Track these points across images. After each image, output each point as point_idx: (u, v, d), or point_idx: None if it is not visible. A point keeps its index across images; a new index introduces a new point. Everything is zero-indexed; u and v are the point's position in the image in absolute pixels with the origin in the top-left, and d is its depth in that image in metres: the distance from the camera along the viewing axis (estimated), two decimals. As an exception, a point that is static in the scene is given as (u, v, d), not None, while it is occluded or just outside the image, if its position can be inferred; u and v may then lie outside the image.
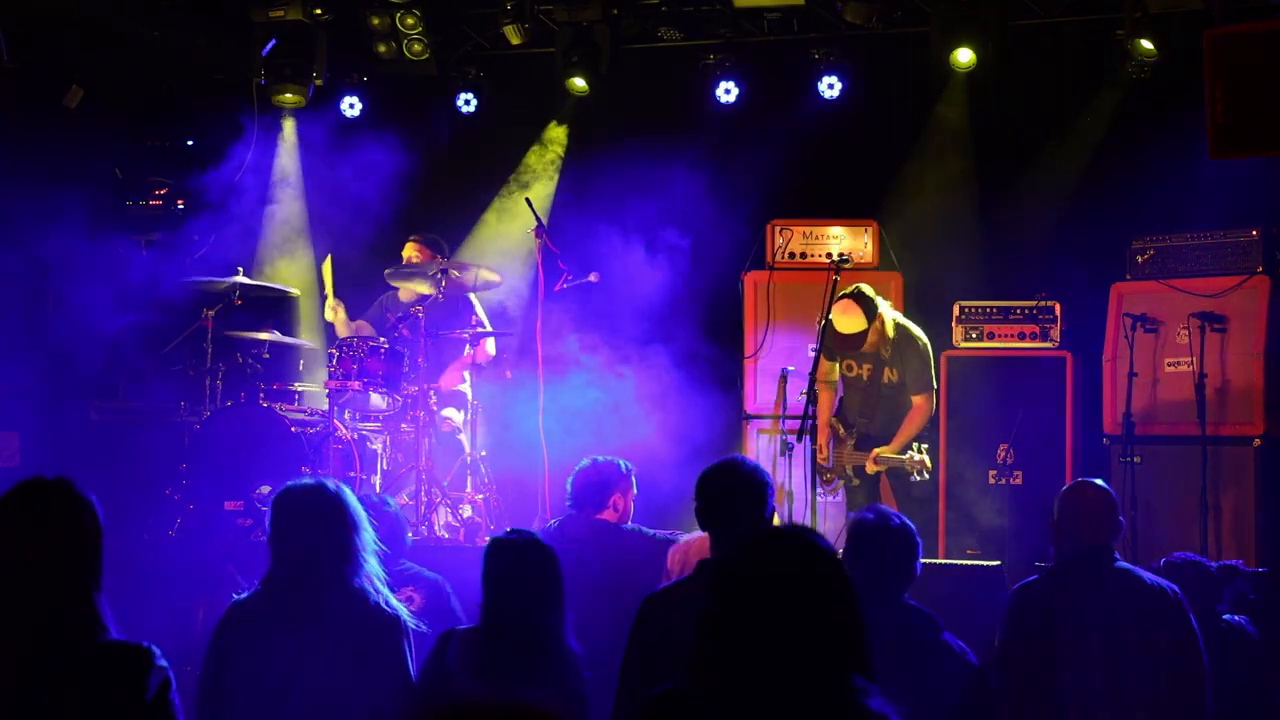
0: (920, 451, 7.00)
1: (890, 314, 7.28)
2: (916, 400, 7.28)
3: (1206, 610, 5.03)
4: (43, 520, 2.92)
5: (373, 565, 3.97)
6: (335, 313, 8.41)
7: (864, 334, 7.14)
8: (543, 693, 3.84)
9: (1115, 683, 4.36)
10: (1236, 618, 5.22)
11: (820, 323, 7.18)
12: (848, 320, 7.13)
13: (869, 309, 7.14)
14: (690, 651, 2.50)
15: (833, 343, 7.19)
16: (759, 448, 8.23)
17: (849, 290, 7.22)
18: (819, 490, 7.31)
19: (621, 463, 5.84)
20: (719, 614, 2.49)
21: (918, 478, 7.04)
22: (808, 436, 6.77)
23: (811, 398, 6.82)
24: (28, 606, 2.88)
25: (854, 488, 7.38)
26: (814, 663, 2.41)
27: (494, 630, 4.05)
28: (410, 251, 8.27)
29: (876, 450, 7.20)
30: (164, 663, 2.90)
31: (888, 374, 7.30)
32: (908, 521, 4.16)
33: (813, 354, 7.38)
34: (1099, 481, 4.72)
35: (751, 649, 2.43)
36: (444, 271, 7.88)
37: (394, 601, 3.98)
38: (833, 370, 7.51)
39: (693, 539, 5.16)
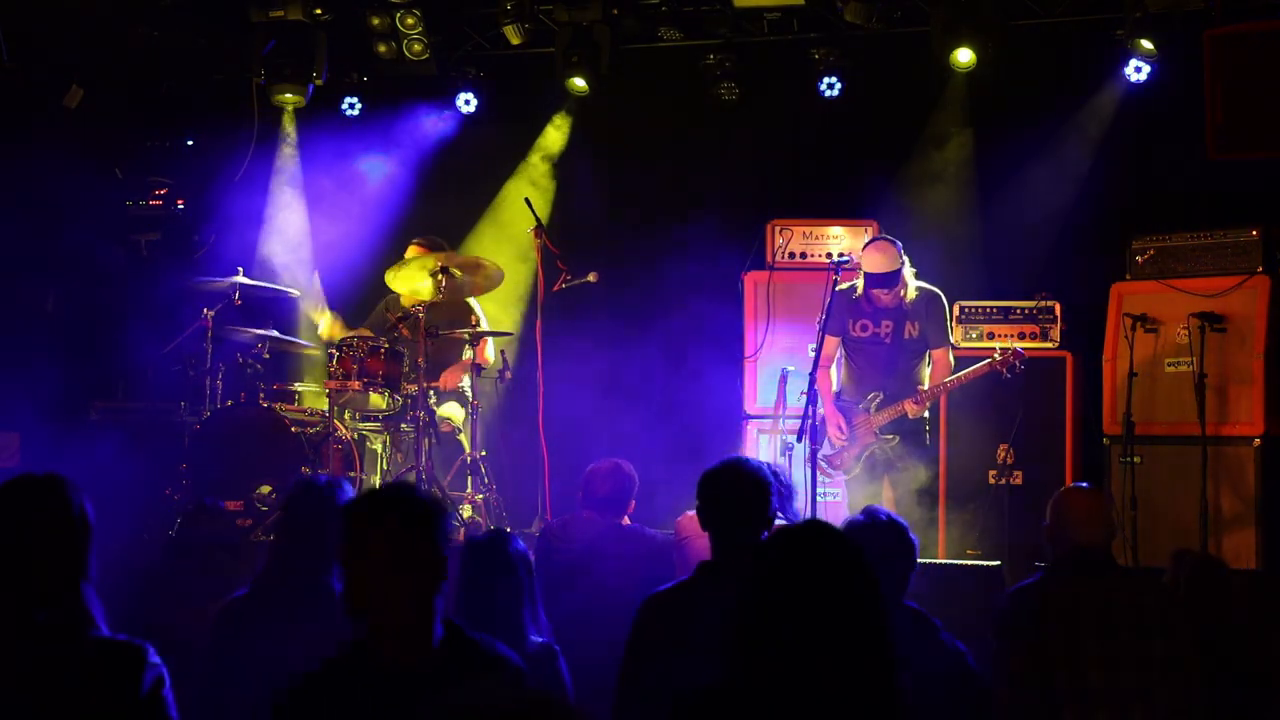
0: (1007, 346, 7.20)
1: (911, 277, 7.36)
2: (938, 354, 7.39)
3: (1215, 611, 5.00)
4: (29, 516, 2.92)
5: None
6: (332, 328, 8.42)
7: (898, 273, 7.21)
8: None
9: (1111, 685, 4.36)
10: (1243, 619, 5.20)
11: (820, 322, 7.18)
12: (882, 259, 7.23)
13: (899, 250, 7.26)
14: (730, 649, 2.56)
15: (861, 286, 7.28)
16: (759, 448, 8.23)
17: (877, 235, 7.57)
18: (836, 473, 7.36)
19: (631, 466, 5.85)
20: (756, 609, 2.56)
21: (1008, 374, 7.19)
22: (808, 436, 6.76)
23: (811, 398, 6.81)
24: (14, 602, 2.87)
25: (893, 445, 7.29)
26: (854, 655, 2.47)
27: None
28: (414, 254, 8.25)
29: (920, 389, 7.25)
30: (157, 660, 2.89)
31: (909, 329, 7.34)
32: (900, 520, 4.14)
33: (813, 353, 7.38)
34: (1088, 485, 4.72)
35: (792, 643, 2.49)
36: (444, 272, 7.87)
37: None
38: (836, 348, 7.47)
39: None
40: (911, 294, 7.32)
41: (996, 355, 7.22)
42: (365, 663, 2.92)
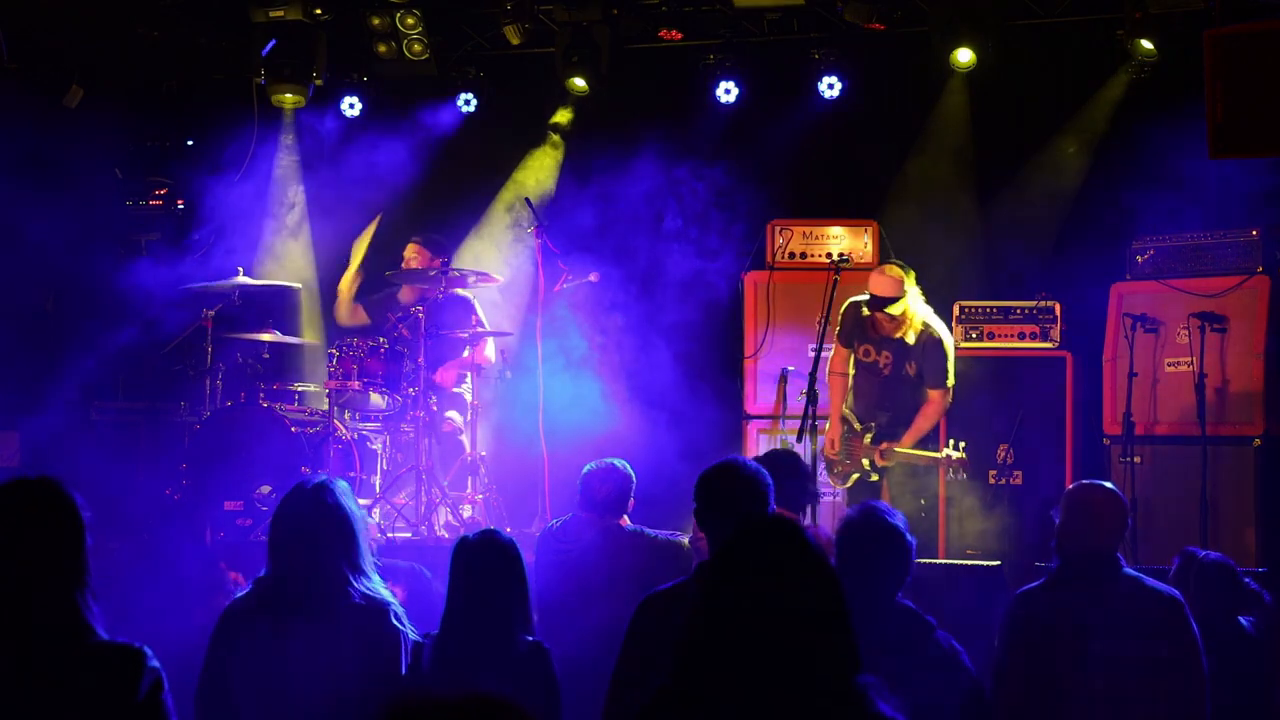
0: (957, 449, 7.03)
1: (920, 308, 7.29)
2: (932, 394, 7.30)
3: (1227, 614, 4.98)
4: (22, 520, 2.90)
5: (367, 561, 3.99)
6: (351, 285, 8.39)
7: (895, 300, 7.17)
8: (500, 688, 3.84)
9: (1115, 691, 4.33)
10: (1246, 619, 5.19)
11: (820, 322, 7.18)
12: (883, 282, 7.21)
13: (905, 279, 7.21)
14: (677, 650, 2.47)
15: (865, 305, 7.25)
16: (759, 448, 8.22)
17: (890, 260, 7.57)
18: (831, 481, 7.34)
19: (629, 466, 5.85)
20: (701, 610, 2.47)
21: (953, 475, 7.11)
22: (808, 436, 6.76)
23: (811, 398, 6.81)
24: (9, 607, 2.86)
25: (872, 482, 7.29)
26: (801, 660, 2.38)
27: (451, 627, 4.07)
28: (411, 253, 8.26)
29: (885, 444, 7.21)
30: (156, 663, 2.87)
31: (908, 367, 7.30)
32: (895, 519, 4.09)
33: (813, 353, 7.37)
34: (1108, 484, 4.65)
35: (732, 647, 2.39)
36: (444, 272, 7.88)
37: (385, 593, 3.99)
38: (848, 361, 7.48)
39: None
40: (914, 334, 7.24)
41: (945, 455, 7.11)
42: None
